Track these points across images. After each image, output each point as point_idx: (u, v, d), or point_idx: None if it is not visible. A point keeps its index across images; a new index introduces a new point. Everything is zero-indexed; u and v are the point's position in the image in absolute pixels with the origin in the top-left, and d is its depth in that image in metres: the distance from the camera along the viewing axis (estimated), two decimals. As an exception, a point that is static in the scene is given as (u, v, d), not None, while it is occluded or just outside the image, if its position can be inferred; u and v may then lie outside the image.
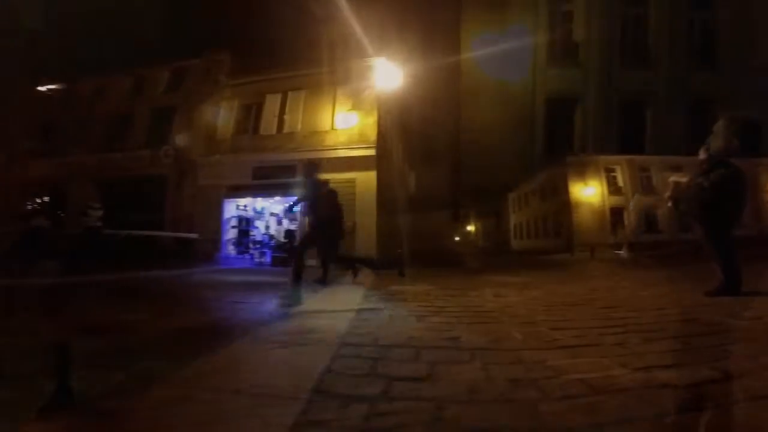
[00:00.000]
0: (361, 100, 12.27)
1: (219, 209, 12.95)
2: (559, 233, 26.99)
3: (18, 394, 1.51)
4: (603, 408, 1.26)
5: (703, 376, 1.52)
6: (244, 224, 13.11)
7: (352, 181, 11.48)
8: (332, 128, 12.35)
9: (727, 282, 3.81)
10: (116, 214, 12.60)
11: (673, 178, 4.45)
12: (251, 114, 13.71)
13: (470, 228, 53.57)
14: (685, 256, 11.63)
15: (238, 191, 13.03)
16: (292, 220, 12.71)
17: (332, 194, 6.04)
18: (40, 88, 18.55)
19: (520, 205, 38.80)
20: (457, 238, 36.98)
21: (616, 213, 25.22)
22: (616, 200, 25.38)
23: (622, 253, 17.72)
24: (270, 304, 4.04)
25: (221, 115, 13.98)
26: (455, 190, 41.20)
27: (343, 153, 11.76)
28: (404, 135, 19.72)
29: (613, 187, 25.67)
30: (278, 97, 13.36)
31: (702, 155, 4.13)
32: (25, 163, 16.90)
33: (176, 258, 11.49)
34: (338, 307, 3.75)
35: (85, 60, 18.33)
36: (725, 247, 3.89)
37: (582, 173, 25.53)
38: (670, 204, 4.45)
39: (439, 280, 7.04)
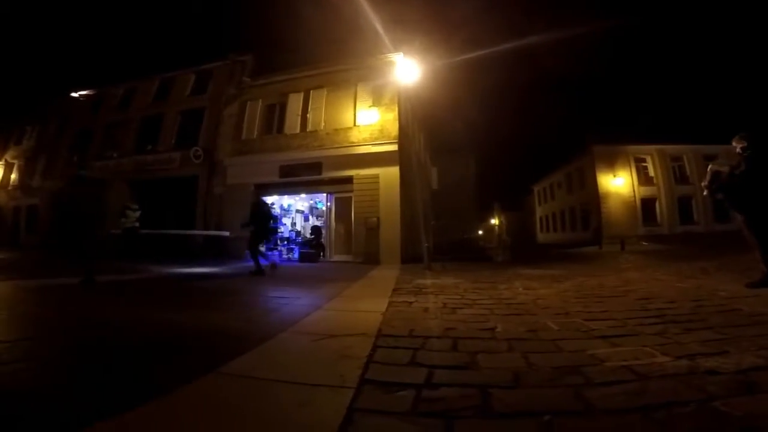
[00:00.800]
0: (382, 96, 12.31)
1: (248, 207, 13.22)
2: (586, 226, 26.32)
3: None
4: (650, 391, 1.30)
5: (747, 364, 1.53)
6: (272, 221, 13.35)
7: (375, 177, 11.59)
8: (354, 125, 12.44)
9: None
10: (151, 215, 13.19)
11: (712, 166, 4.30)
12: (275, 113, 13.97)
13: (494, 221, 52.82)
14: (718, 248, 11.19)
15: (266, 189, 13.28)
16: (318, 216, 12.94)
17: (264, 209, 8.44)
18: (73, 95, 19.56)
19: (546, 197, 38.01)
20: (480, 232, 36.53)
21: (648, 204, 24.39)
22: (647, 191, 24.51)
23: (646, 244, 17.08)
24: (305, 298, 4.17)
25: (247, 116, 14.31)
26: (478, 183, 40.68)
27: (366, 149, 11.84)
28: (425, 130, 19.66)
29: (644, 178, 24.79)
30: (300, 96, 13.56)
31: (737, 144, 4.03)
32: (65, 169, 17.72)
33: (208, 255, 11.91)
34: (370, 302, 3.85)
35: (111, 65, 19.20)
36: (765, 236, 3.79)
37: (611, 164, 24.77)
38: (706, 192, 4.32)
39: (466, 273, 7.06)
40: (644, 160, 25.01)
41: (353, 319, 3.04)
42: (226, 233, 12.77)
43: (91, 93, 19.46)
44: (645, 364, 1.60)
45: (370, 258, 10.81)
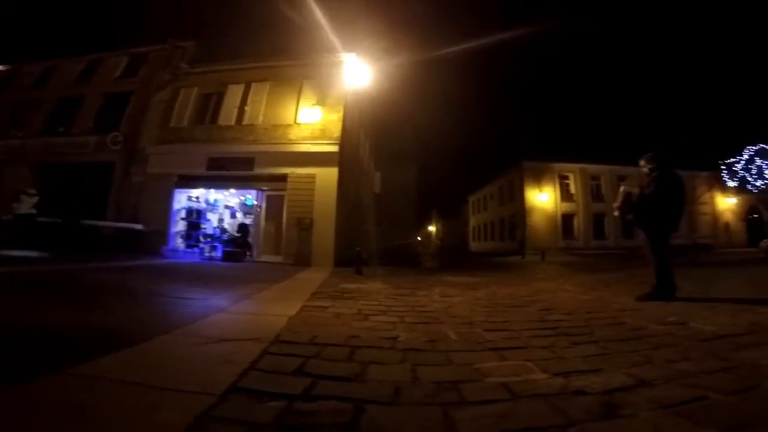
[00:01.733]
0: (328, 96, 12.08)
1: (168, 199, 12.26)
2: (513, 236, 28.00)
3: None
4: (514, 414, 1.29)
5: (617, 383, 1.58)
6: (195, 216, 12.48)
7: (312, 177, 11.27)
8: (295, 122, 12.05)
9: (659, 286, 4.07)
10: (57, 202, 11.82)
11: (624, 187, 4.58)
12: (211, 103, 13.16)
13: (432, 228, 54.48)
14: (624, 262, 12.42)
15: (191, 181, 12.42)
16: (247, 214, 12.31)
17: None
18: None
19: (480, 208, 39.91)
20: (419, 238, 37.46)
21: (567, 219, 26.55)
22: (568, 207, 26.68)
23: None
24: (212, 299, 3.86)
25: (179, 103, 13.35)
26: (419, 190, 41.71)
27: (304, 148, 11.51)
28: (371, 134, 19.69)
29: (566, 194, 26.97)
30: (241, 88, 12.90)
31: (644, 165, 4.38)
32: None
33: (118, 248, 10.83)
34: (282, 305, 3.67)
35: (39, 42, 17.24)
36: (662, 253, 4.16)
37: (538, 179, 26.63)
38: (617, 213, 4.59)
39: (394, 279, 7.08)
40: (567, 178, 27.24)
41: (255, 323, 2.88)
42: (140, 226, 11.70)
43: (1, 69, 17.42)
44: (522, 382, 1.61)
45: (301, 260, 10.48)
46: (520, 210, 26.99)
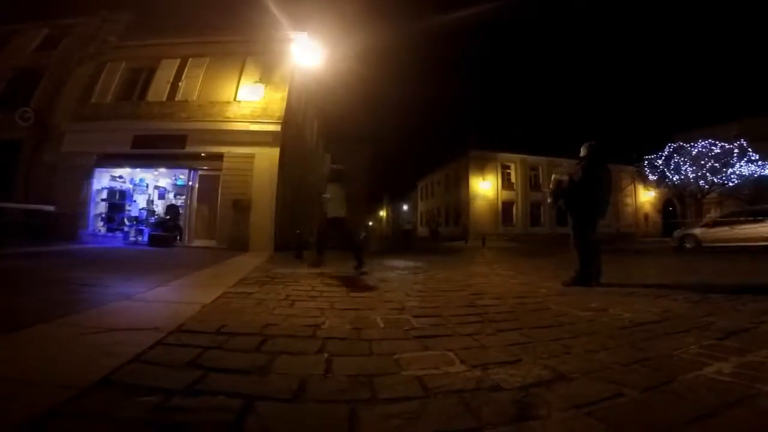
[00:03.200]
0: (272, 74, 11.39)
1: (87, 180, 11.01)
2: (458, 222, 28.87)
3: None
4: (425, 415, 1.16)
5: (534, 377, 1.51)
6: (119, 198, 11.35)
7: (250, 157, 10.62)
8: (235, 100, 11.25)
9: (582, 272, 4.23)
10: None
11: (555, 175, 4.72)
12: (140, 78, 11.99)
13: (382, 213, 54.73)
14: (556, 248, 13.19)
15: (113, 160, 11.23)
16: (178, 194, 11.39)
17: None
18: None
19: (428, 194, 40.61)
20: (370, 223, 37.44)
21: (507, 206, 27.83)
22: (508, 195, 27.92)
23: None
24: (121, 286, 3.44)
25: (103, 78, 12.04)
26: (371, 175, 41.51)
27: (243, 126, 10.79)
28: (321, 115, 19.05)
29: (507, 183, 28.20)
30: (176, 63, 11.86)
31: (582, 152, 4.50)
32: None
33: (27, 234, 9.58)
34: (199, 291, 3.34)
35: None
36: (585, 240, 4.31)
37: (482, 168, 27.52)
38: (550, 200, 4.72)
39: (335, 263, 6.86)
40: (509, 167, 28.45)
41: (161, 311, 2.59)
42: (51, 208, 10.41)
43: None
44: (439, 375, 1.50)
45: (237, 244, 9.92)
46: (464, 197, 27.81)
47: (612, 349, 1.93)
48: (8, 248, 6.74)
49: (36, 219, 10.44)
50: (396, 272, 5.51)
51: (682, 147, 23.95)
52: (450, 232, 29.32)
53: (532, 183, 28.59)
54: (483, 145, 27.83)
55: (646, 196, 31.30)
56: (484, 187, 27.34)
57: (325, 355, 1.74)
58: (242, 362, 1.58)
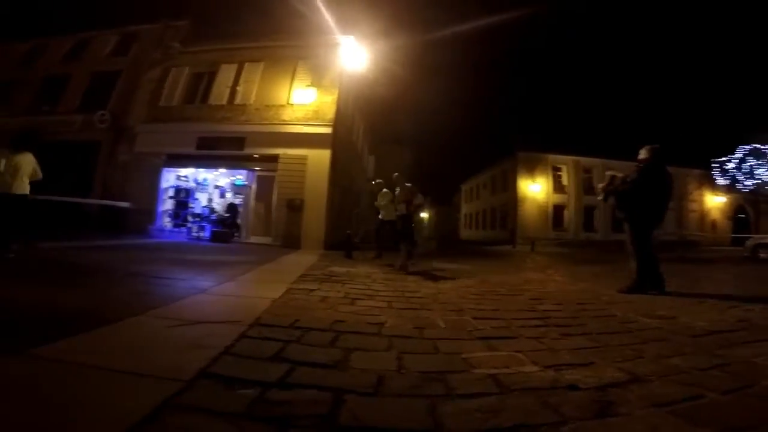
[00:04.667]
0: (322, 77, 11.79)
1: (156, 178, 11.99)
2: (504, 226, 28.09)
3: None
4: (505, 410, 1.20)
5: (609, 378, 1.51)
6: (184, 195, 12.23)
7: (303, 158, 11.06)
8: (288, 103, 11.76)
9: (640, 280, 4.06)
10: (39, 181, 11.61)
11: (610, 172, 4.60)
12: (202, 83, 12.81)
13: (424, 215, 54.50)
14: (612, 254, 12.51)
15: (180, 161, 12.14)
16: (236, 194, 12.08)
17: None
18: None
19: (472, 196, 39.92)
20: (413, 225, 37.54)
21: (558, 210, 26.68)
22: (559, 198, 26.77)
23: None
24: (194, 280, 3.75)
25: (169, 82, 12.98)
26: (412, 176, 41.58)
27: (297, 129, 11.26)
28: (366, 118, 19.39)
29: (558, 186, 27.03)
30: (234, 68, 12.55)
31: (642, 155, 4.31)
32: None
33: (103, 227, 10.59)
34: (266, 287, 3.56)
35: (28, 20, 16.68)
36: (643, 246, 4.13)
37: (531, 170, 26.61)
38: (601, 196, 4.61)
39: (383, 263, 7.00)
40: (560, 169, 27.24)
41: (236, 305, 2.78)
42: (126, 204, 11.42)
43: None
44: (512, 374, 1.54)
45: (290, 242, 10.34)
46: (512, 200, 27.01)
47: (687, 355, 1.88)
48: (88, 240, 7.48)
49: (111, 214, 11.49)
50: (447, 274, 5.52)
51: (757, 149, 21.78)
52: (495, 235, 28.61)
53: (586, 186, 27.17)
54: (532, 146, 26.87)
55: (714, 202, 28.79)
56: (534, 189, 26.39)
57: (395, 352, 1.82)
58: (322, 357, 1.68)
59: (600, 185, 4.64)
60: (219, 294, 3.16)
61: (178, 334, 1.90)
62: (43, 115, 14.33)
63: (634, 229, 4.20)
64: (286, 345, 1.82)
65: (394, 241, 6.83)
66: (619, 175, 4.43)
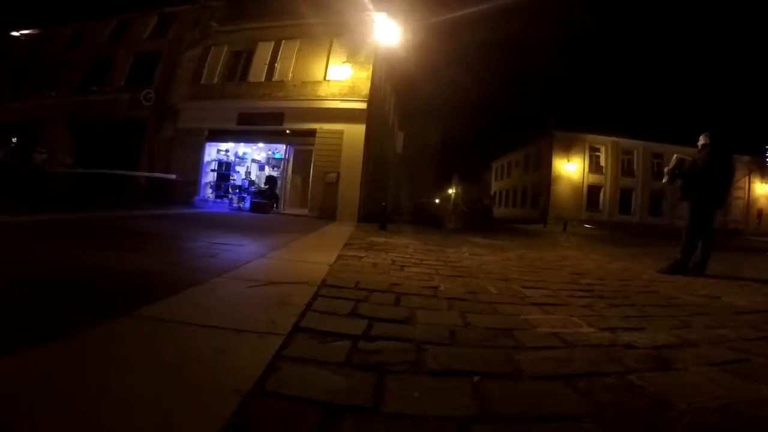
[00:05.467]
0: (357, 54, 11.79)
1: (199, 153, 12.57)
2: (535, 205, 27.58)
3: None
4: (574, 360, 1.36)
5: (662, 341, 1.64)
6: (225, 169, 12.80)
7: (339, 133, 11.24)
8: (324, 79, 11.87)
9: (682, 260, 4.09)
10: (91, 156, 12.42)
11: (677, 155, 4.53)
12: (241, 60, 13.10)
13: (452, 191, 54.09)
14: (649, 238, 12.20)
15: (221, 136, 12.63)
16: (275, 167, 12.47)
17: None
18: (14, 33, 18.04)
19: (503, 174, 39.17)
20: (437, 200, 37.40)
21: (593, 191, 25.88)
22: (595, 179, 25.92)
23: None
24: (249, 246, 4.03)
25: (209, 61, 13.33)
26: (441, 152, 41.14)
27: (333, 104, 11.40)
28: (397, 93, 19.24)
29: (595, 166, 26.12)
30: (270, 45, 12.72)
31: (702, 140, 4.27)
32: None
33: (151, 198, 11.25)
34: (318, 253, 3.80)
35: (68, 3, 17.49)
36: (697, 229, 4.11)
37: (567, 149, 25.77)
38: (666, 178, 4.56)
39: (418, 236, 7.18)
40: (598, 150, 26.23)
41: (298, 268, 2.98)
42: (173, 176, 12.06)
43: (34, 32, 17.99)
44: (571, 333, 1.68)
45: (326, 213, 10.68)
46: (545, 178, 26.35)
47: (731, 328, 1.99)
48: (140, 210, 7.99)
49: (159, 186, 12.17)
50: (484, 249, 5.64)
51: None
52: (526, 214, 28.17)
53: (624, 167, 26.13)
54: (568, 125, 25.89)
55: (762, 190, 27.10)
56: (569, 169, 25.60)
57: (457, 311, 1.99)
58: (392, 314, 1.85)
59: (666, 168, 4.57)
60: (278, 258, 3.40)
61: (260, 293, 2.06)
62: (92, 94, 15.13)
63: (693, 210, 4.18)
64: (357, 304, 1.99)
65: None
66: (687, 157, 4.37)
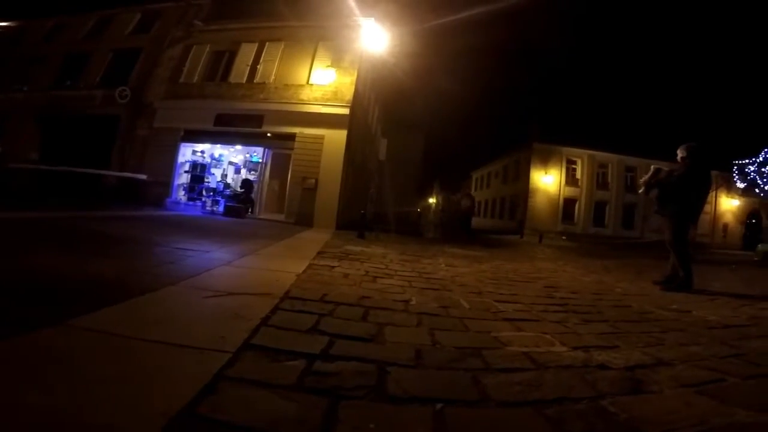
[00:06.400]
0: (342, 59, 11.72)
1: (174, 153, 12.15)
2: (513, 216, 28.01)
3: None
4: (545, 384, 1.28)
5: (636, 360, 1.59)
6: (199, 170, 12.40)
7: (320, 138, 11.08)
8: (308, 83, 11.73)
9: (687, 277, 4.00)
10: (60, 153, 11.94)
11: (654, 166, 4.57)
12: (223, 61, 12.85)
13: (432, 200, 54.52)
14: (621, 250, 12.52)
15: (197, 136, 12.26)
16: (251, 170, 12.19)
17: None
18: None
19: (482, 184, 39.72)
20: (418, 209, 37.62)
21: (569, 203, 26.48)
22: (571, 191, 26.54)
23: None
24: (216, 252, 3.85)
25: (190, 59, 13.03)
26: (423, 161, 41.41)
27: (315, 109, 11.25)
28: (381, 101, 19.27)
29: (571, 179, 26.75)
30: (254, 47, 12.53)
31: (681, 153, 4.29)
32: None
33: (120, 199, 10.81)
34: (288, 262, 3.66)
35: None
36: (684, 242, 4.13)
37: (545, 161, 26.33)
38: (642, 190, 4.59)
39: (396, 245, 7.09)
40: (575, 162, 26.89)
41: (263, 278, 2.85)
42: (143, 176, 11.62)
43: (9, 25, 17.49)
44: (543, 353, 1.61)
45: (303, 219, 10.47)
46: (523, 190, 26.83)
47: (705, 344, 1.97)
48: (107, 210, 7.64)
49: (129, 186, 11.71)
50: (460, 259, 5.59)
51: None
52: (503, 225, 28.56)
53: (599, 180, 26.87)
54: (547, 137, 26.50)
55: (728, 205, 28.35)
56: (546, 181, 26.15)
57: (426, 328, 1.90)
58: (357, 330, 1.74)
59: (642, 178, 4.59)
60: (244, 266, 3.25)
61: (214, 305, 1.94)
62: (65, 90, 14.60)
63: (675, 225, 4.18)
64: (321, 318, 1.88)
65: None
66: (665, 168, 4.41)
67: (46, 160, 11.58)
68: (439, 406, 1.08)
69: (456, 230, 18.63)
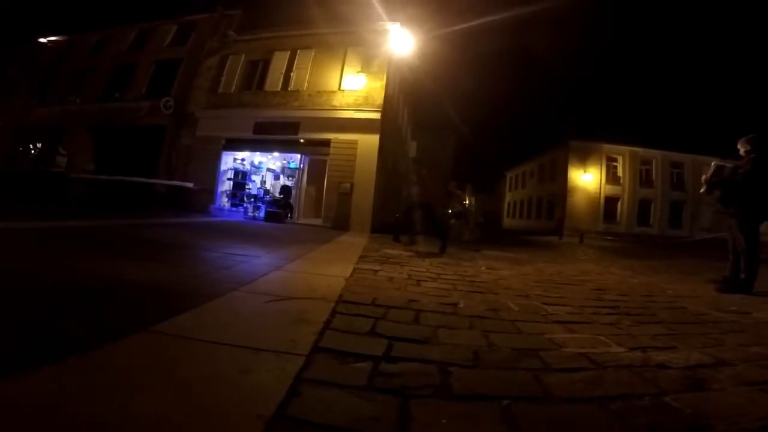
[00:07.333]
0: (371, 64, 11.93)
1: (216, 161, 12.81)
2: (550, 216, 27.21)
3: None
4: (607, 382, 1.31)
5: (695, 360, 1.58)
6: (240, 177, 12.99)
7: (354, 143, 11.32)
8: (339, 89, 12.03)
9: (750, 279, 3.78)
10: (111, 163, 12.81)
11: (715, 162, 4.25)
12: (257, 70, 13.38)
13: (465, 202, 53.79)
14: (668, 250, 11.89)
15: (237, 144, 12.86)
16: (290, 177, 12.61)
17: None
18: (41, 40, 18.74)
19: (517, 184, 38.83)
20: (450, 211, 37.29)
21: (611, 202, 25.42)
22: (613, 190, 25.48)
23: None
24: (265, 257, 4.04)
25: (227, 70, 13.67)
26: (454, 162, 41.01)
27: (347, 114, 11.51)
28: (410, 103, 19.35)
29: (612, 177, 25.69)
30: (286, 55, 12.99)
31: (743, 147, 4.03)
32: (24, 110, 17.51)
33: (169, 206, 11.46)
34: (334, 266, 3.78)
35: (90, 12, 18.40)
36: (754, 240, 3.83)
37: (583, 159, 25.44)
38: (704, 189, 4.28)
39: (432, 248, 7.10)
40: (615, 160, 25.81)
41: (314, 282, 2.96)
42: (190, 185, 12.29)
43: (60, 39, 18.73)
44: (601, 353, 1.62)
45: (340, 223, 10.71)
46: (561, 189, 26.01)
47: (766, 345, 1.91)
48: (158, 218, 8.12)
49: (177, 194, 12.39)
50: (501, 262, 5.55)
51: None
52: (540, 225, 27.80)
53: (643, 178, 25.63)
54: (584, 135, 25.57)
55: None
56: (585, 179, 25.23)
57: (478, 330, 1.94)
58: (412, 333, 1.79)
59: (703, 176, 4.24)
60: (294, 271, 3.40)
61: (277, 309, 2.02)
62: (114, 102, 15.59)
63: (745, 223, 3.90)
64: (376, 321, 1.94)
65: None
66: (728, 165, 4.08)
67: (99, 170, 12.46)
68: (505, 402, 1.13)
69: (489, 232, 18.27)
